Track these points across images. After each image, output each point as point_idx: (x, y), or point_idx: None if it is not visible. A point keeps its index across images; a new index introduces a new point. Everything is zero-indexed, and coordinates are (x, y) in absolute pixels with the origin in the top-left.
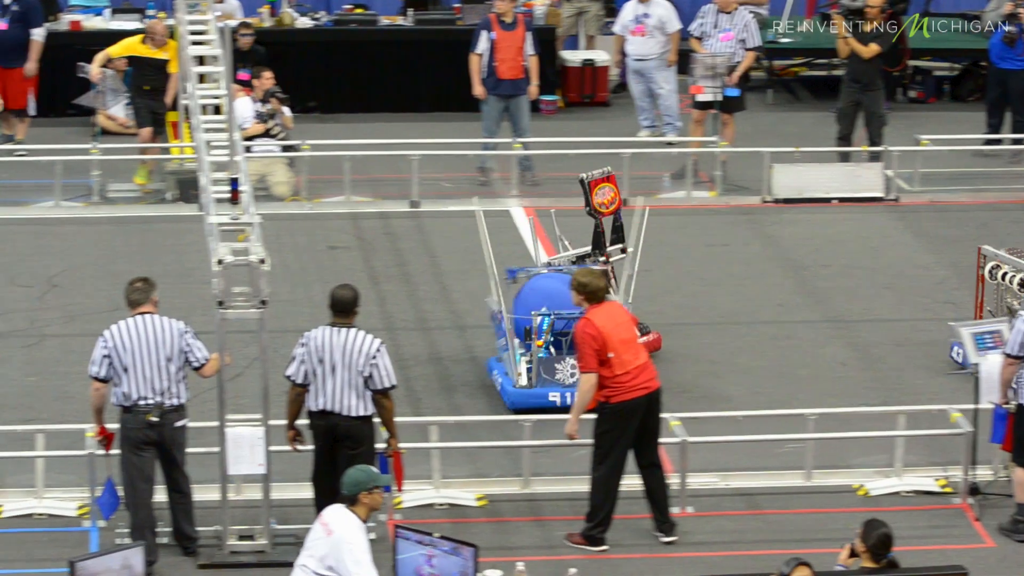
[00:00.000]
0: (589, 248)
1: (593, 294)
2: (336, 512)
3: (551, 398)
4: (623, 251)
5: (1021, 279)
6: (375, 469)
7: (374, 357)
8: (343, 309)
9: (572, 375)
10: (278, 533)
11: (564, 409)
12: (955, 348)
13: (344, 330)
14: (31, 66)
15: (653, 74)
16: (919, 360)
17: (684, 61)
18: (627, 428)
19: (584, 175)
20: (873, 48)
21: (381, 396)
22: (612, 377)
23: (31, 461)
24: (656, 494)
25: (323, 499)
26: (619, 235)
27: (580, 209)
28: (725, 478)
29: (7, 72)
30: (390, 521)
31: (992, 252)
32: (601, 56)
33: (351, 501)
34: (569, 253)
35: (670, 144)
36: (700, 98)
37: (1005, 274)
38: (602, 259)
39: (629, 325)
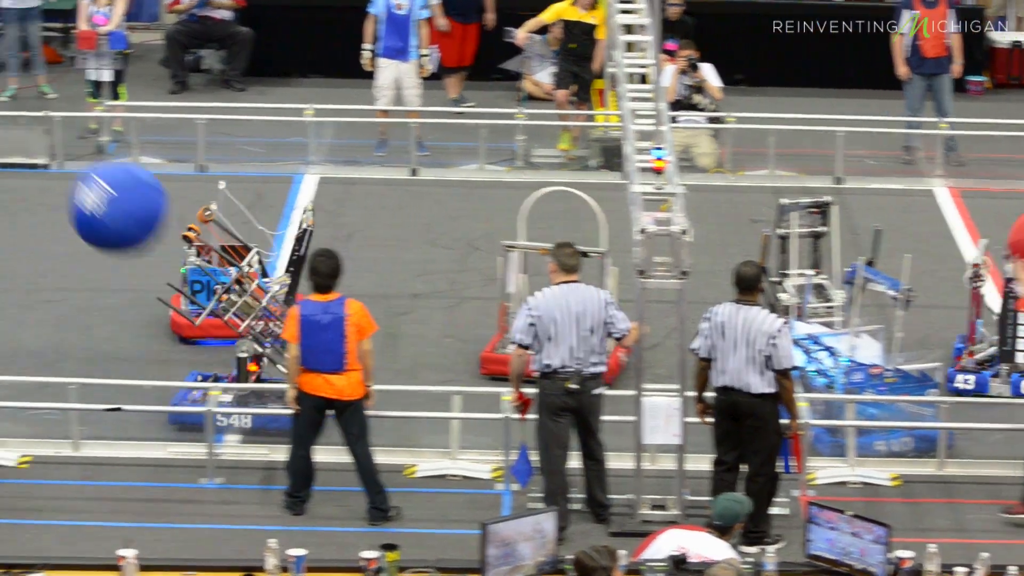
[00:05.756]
0: None
1: None
2: (706, 543)
3: None
4: None
5: None
6: (749, 500)
7: (774, 337)
8: (746, 286)
9: None
10: (690, 504)
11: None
12: None
13: (747, 307)
14: (491, 16)
15: None
16: None
17: None
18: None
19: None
20: None
21: (781, 376)
22: None
23: (446, 422)
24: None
25: (719, 479)
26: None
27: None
28: None
29: (466, 28)
30: (803, 497)
31: None
32: None
33: (723, 531)
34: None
35: None
36: None
37: None
38: None
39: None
